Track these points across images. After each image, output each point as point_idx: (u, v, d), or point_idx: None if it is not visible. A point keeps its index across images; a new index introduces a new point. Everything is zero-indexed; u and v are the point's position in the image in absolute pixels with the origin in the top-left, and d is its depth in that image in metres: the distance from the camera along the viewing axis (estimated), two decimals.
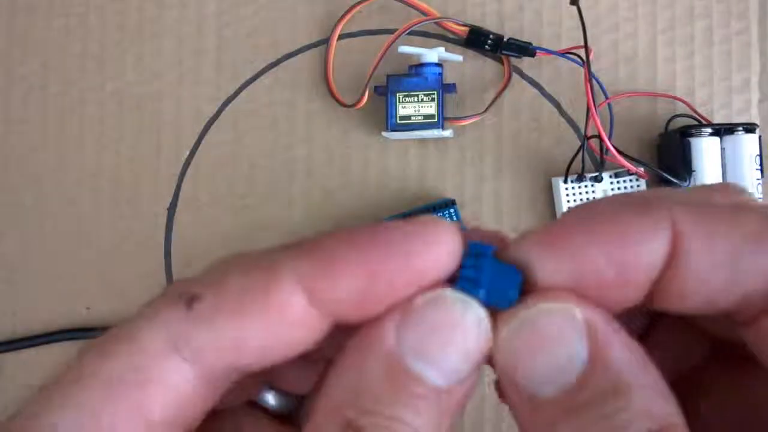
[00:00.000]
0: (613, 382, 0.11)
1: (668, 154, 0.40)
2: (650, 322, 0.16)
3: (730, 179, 0.38)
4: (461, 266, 0.13)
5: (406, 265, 0.12)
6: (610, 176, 0.40)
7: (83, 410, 0.11)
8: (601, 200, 0.13)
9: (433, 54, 0.40)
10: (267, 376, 0.16)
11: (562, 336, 0.12)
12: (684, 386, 0.13)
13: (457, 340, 0.12)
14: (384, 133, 0.40)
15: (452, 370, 0.12)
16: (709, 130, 0.38)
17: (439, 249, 0.12)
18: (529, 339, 0.12)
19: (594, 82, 0.39)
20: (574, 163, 0.39)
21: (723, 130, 0.38)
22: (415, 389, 0.12)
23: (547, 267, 0.12)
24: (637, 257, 0.12)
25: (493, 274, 0.13)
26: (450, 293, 0.13)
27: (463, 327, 0.12)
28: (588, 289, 0.12)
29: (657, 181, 0.40)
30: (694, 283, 0.12)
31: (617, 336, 0.12)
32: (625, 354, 0.12)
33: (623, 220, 0.12)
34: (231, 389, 0.14)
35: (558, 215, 0.40)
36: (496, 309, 0.13)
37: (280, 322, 0.12)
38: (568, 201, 0.40)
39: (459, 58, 0.41)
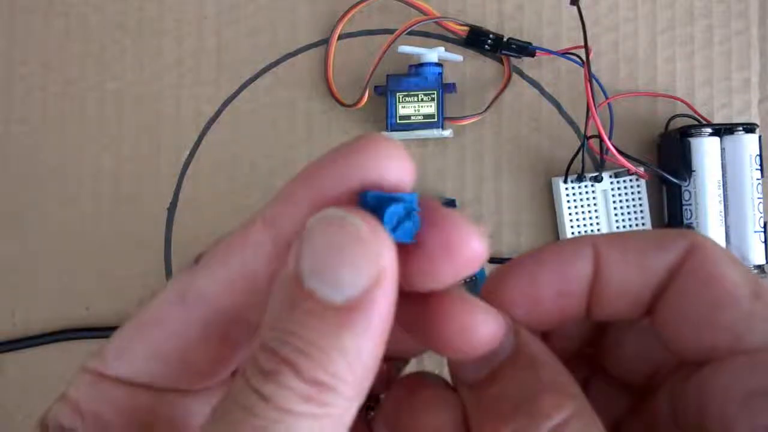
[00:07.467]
0: (530, 361, 0.15)
1: (668, 154, 0.40)
2: (587, 378, 0.19)
3: (730, 179, 0.38)
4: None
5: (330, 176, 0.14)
6: (610, 176, 0.40)
7: (122, 341, 0.16)
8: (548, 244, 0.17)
9: (433, 54, 0.40)
10: None
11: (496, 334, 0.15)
12: None
13: (342, 253, 0.13)
14: (384, 133, 0.40)
15: (343, 285, 0.13)
16: (709, 130, 0.38)
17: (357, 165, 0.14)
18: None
19: (594, 82, 0.39)
20: (574, 163, 0.39)
21: (723, 130, 0.38)
22: (308, 305, 0.13)
23: (513, 291, 0.16)
24: (570, 272, 0.16)
25: (382, 201, 0.14)
26: (331, 210, 0.13)
27: (346, 240, 0.13)
28: (543, 301, 0.16)
29: (657, 180, 0.40)
30: (617, 287, 0.16)
31: (533, 336, 0.16)
32: (539, 346, 0.16)
33: (559, 249, 0.16)
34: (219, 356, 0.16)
35: (558, 215, 0.40)
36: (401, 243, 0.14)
37: (246, 253, 0.15)
38: (568, 201, 0.40)
39: (459, 58, 0.41)
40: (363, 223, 0.13)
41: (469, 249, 0.14)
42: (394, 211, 0.13)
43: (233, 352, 0.16)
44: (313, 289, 0.13)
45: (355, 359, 0.13)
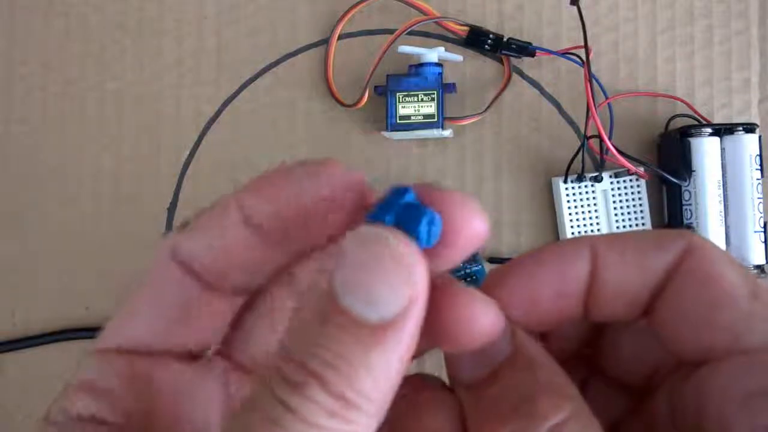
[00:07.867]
0: (528, 362, 0.15)
1: (668, 154, 0.40)
2: (585, 379, 0.19)
3: (730, 179, 0.38)
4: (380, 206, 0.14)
5: (303, 185, 0.15)
6: (610, 176, 0.40)
7: (120, 314, 0.17)
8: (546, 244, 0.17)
9: (433, 54, 0.40)
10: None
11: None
12: None
13: (380, 273, 0.13)
14: (384, 133, 0.40)
15: (378, 304, 0.13)
16: (709, 130, 0.38)
17: (334, 177, 0.15)
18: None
19: (594, 82, 0.39)
20: (574, 163, 0.39)
21: (723, 130, 0.38)
22: (340, 320, 0.13)
23: (511, 290, 0.16)
24: (568, 273, 0.16)
25: (405, 211, 0.13)
26: (368, 228, 0.13)
27: (384, 260, 0.13)
28: (542, 302, 0.16)
29: (657, 180, 0.40)
30: (615, 288, 0.16)
31: (530, 337, 0.16)
32: (537, 347, 0.16)
33: (558, 250, 0.16)
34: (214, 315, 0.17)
35: (558, 215, 0.40)
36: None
37: (225, 228, 0.16)
38: (568, 201, 0.40)
39: (459, 58, 0.41)
40: (398, 243, 0.13)
41: (472, 228, 0.14)
42: (425, 223, 0.13)
43: (215, 316, 0.17)
44: (348, 305, 0.13)
45: (380, 376, 0.13)
